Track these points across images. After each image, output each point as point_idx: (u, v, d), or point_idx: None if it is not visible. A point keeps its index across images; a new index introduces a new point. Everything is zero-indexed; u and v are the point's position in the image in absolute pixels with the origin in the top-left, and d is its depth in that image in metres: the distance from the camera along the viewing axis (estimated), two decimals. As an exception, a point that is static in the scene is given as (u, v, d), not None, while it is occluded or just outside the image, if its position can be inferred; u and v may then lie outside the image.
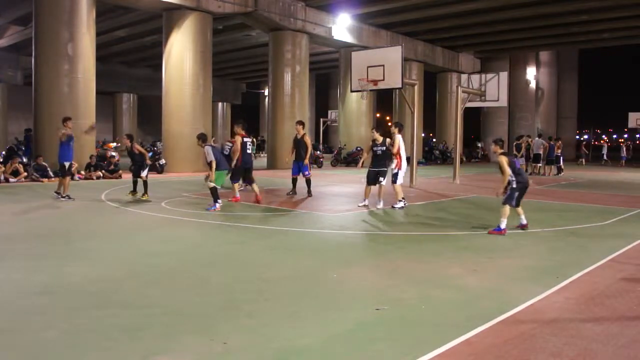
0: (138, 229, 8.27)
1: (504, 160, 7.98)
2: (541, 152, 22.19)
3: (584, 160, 33.56)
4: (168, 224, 8.81)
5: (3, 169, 15.23)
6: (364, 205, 10.70)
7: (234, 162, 11.25)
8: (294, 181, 12.73)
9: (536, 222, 9.09)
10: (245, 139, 11.55)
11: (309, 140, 12.76)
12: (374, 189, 10.87)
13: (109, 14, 24.55)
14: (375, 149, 10.75)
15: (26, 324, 3.93)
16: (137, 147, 12.13)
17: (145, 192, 11.56)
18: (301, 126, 12.68)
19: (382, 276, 5.50)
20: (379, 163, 10.74)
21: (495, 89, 19.23)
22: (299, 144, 12.50)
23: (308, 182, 12.52)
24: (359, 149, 25.56)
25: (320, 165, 24.51)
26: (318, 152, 26.07)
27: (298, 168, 12.54)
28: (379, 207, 10.54)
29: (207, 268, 5.78)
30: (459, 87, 18.52)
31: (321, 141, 37.48)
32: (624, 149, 32.93)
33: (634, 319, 4.30)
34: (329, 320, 4.14)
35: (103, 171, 17.02)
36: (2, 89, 36.37)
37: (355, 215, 10.10)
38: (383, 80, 14.18)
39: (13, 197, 11.28)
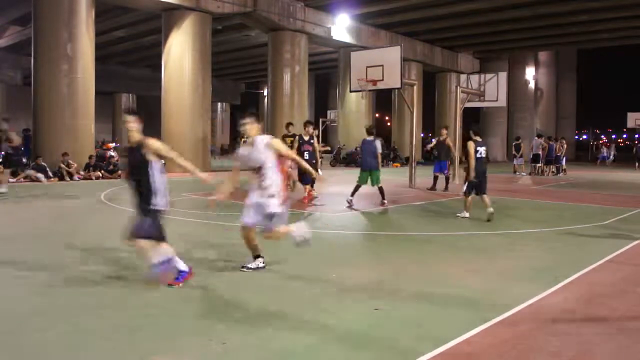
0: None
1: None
2: (540, 152, 22.19)
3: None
4: (168, 224, 8.78)
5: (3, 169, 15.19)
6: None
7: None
8: (436, 179, 14.34)
9: (535, 222, 9.09)
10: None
11: (450, 142, 14.72)
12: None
13: (109, 14, 24.55)
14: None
15: (26, 324, 3.93)
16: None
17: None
18: (445, 130, 14.71)
19: (382, 276, 5.49)
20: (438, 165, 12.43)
21: (494, 89, 19.25)
22: (441, 146, 14.46)
23: (447, 179, 14.37)
24: (357, 149, 25.53)
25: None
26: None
27: (440, 167, 14.30)
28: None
29: (207, 268, 5.78)
30: (458, 87, 18.53)
31: (320, 141, 37.39)
32: (604, 149, 34.10)
33: (633, 319, 4.30)
34: (329, 320, 4.14)
35: (102, 171, 17.02)
36: (2, 89, 36.32)
37: (355, 215, 10.11)
38: (382, 80, 14.19)
39: (13, 197, 11.26)
